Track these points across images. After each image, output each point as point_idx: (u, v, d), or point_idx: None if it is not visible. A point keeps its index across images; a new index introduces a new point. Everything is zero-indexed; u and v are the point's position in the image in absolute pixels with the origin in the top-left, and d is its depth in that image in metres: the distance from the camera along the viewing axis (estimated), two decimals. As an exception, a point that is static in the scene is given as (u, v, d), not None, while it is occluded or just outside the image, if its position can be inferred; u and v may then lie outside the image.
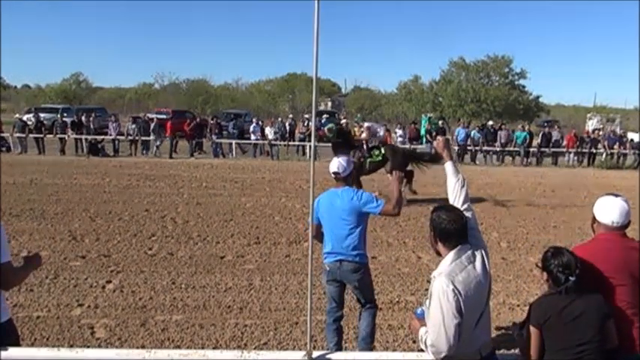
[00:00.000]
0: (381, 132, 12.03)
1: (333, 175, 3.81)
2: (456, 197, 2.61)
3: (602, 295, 2.39)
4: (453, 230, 2.32)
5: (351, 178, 3.87)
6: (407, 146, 19.87)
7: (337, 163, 3.77)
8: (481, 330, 2.33)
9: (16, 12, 73.32)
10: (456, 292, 2.18)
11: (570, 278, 2.32)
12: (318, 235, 3.79)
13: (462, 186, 2.63)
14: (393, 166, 10.03)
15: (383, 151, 10.65)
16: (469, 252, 2.33)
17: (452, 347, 2.16)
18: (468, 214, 2.49)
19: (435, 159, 10.16)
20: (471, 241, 2.38)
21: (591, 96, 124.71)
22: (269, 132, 19.80)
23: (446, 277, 2.21)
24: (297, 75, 51.45)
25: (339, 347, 3.79)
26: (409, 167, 10.58)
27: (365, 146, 10.77)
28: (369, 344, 3.81)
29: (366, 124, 12.02)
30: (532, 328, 2.37)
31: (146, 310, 4.85)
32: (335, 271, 3.69)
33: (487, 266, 2.35)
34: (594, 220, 2.65)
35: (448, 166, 2.71)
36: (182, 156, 18.67)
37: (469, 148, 20.00)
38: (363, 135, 11.16)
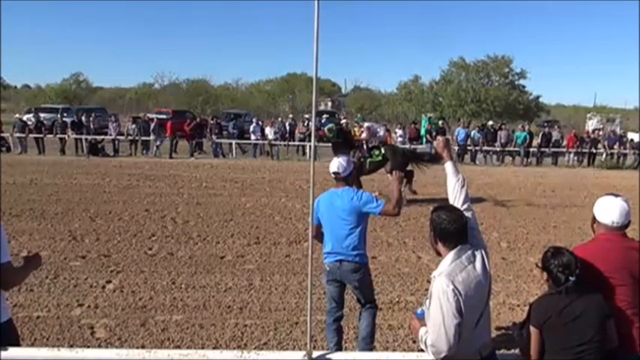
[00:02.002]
0: (381, 132, 12.03)
1: (333, 175, 3.81)
2: (456, 197, 2.60)
3: (602, 295, 2.39)
4: (453, 230, 2.32)
5: (351, 178, 3.87)
6: (407, 146, 19.91)
7: (337, 163, 3.77)
8: (481, 330, 2.33)
9: (16, 12, 73.37)
10: (456, 292, 2.18)
11: (570, 278, 2.31)
12: (318, 235, 3.79)
13: (462, 186, 2.63)
14: (393, 166, 10.03)
15: (383, 151, 10.64)
16: (469, 252, 2.33)
17: (452, 347, 2.16)
18: (468, 214, 2.49)
19: (435, 159, 10.17)
20: (471, 241, 2.38)
21: (591, 96, 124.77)
22: (269, 132, 19.81)
23: (446, 277, 2.21)
24: (297, 75, 51.40)
25: (339, 347, 3.80)
26: (409, 167, 10.58)
27: (365, 146, 10.77)
28: (369, 344, 3.82)
29: (366, 124, 12.02)
30: (532, 328, 2.37)
31: (146, 310, 4.85)
32: (335, 271, 3.69)
33: (487, 266, 2.35)
34: (594, 220, 2.65)
35: (448, 166, 2.71)
36: (182, 156, 18.66)
37: (469, 148, 20.00)
38: (363, 135, 11.16)
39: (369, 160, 10.53)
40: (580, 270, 2.33)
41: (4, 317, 2.51)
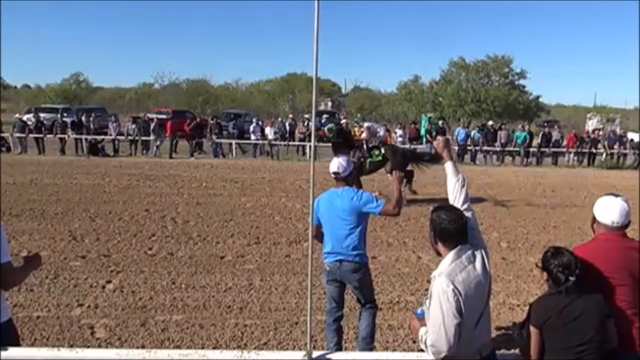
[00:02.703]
0: (381, 132, 12.04)
1: (333, 175, 3.81)
2: (456, 197, 2.60)
3: (603, 294, 2.39)
4: (453, 230, 2.31)
5: (351, 178, 3.87)
6: (407, 146, 19.89)
7: (337, 163, 3.77)
8: (481, 330, 2.32)
9: (16, 12, 73.37)
10: (456, 292, 2.17)
11: (570, 278, 2.31)
12: (318, 235, 3.80)
13: (462, 186, 2.62)
14: (392, 166, 10.04)
15: (383, 151, 10.65)
16: (469, 252, 2.33)
17: (452, 347, 2.16)
18: (468, 214, 2.48)
19: (435, 159, 10.18)
20: (471, 241, 2.38)
21: (591, 96, 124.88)
22: (269, 132, 19.81)
23: (446, 277, 2.21)
24: (297, 75, 51.37)
25: (339, 347, 3.80)
26: (409, 167, 10.58)
27: (365, 146, 10.78)
28: (369, 344, 3.82)
29: (366, 124, 12.02)
30: (532, 328, 2.37)
31: (146, 310, 4.85)
32: (335, 271, 3.70)
33: (487, 266, 2.35)
34: (594, 220, 2.65)
35: (448, 166, 2.70)
36: (182, 156, 18.66)
37: (469, 148, 20.00)
38: (363, 135, 11.16)
39: (369, 160, 10.54)
40: (580, 270, 2.33)
41: (4, 317, 2.51)
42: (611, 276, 2.45)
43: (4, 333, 2.49)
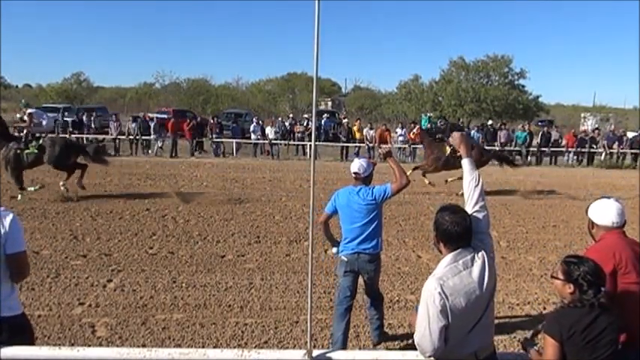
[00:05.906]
0: (45, 121, 10.86)
1: (353, 175, 4.06)
2: (469, 196, 2.51)
3: (619, 292, 2.40)
4: (455, 233, 2.27)
5: (369, 179, 4.08)
6: (407, 146, 19.89)
7: (358, 164, 4.04)
8: (479, 333, 2.29)
9: (16, 12, 73.40)
10: (443, 296, 2.16)
11: (602, 289, 2.21)
12: (326, 222, 4.11)
13: (477, 185, 2.51)
14: (49, 158, 9.80)
15: (41, 142, 10.11)
16: (468, 257, 2.28)
17: (436, 349, 2.18)
18: (480, 214, 2.42)
19: (100, 154, 10.02)
20: (476, 244, 2.33)
21: (591, 96, 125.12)
22: (269, 131, 19.84)
23: (435, 280, 2.20)
24: (297, 75, 51.26)
25: (345, 337, 3.92)
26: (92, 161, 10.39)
27: (25, 137, 10.25)
28: (380, 335, 4.23)
29: (29, 111, 10.90)
30: (550, 340, 2.22)
31: (147, 309, 4.87)
32: (353, 262, 3.97)
33: (487, 272, 2.28)
34: (592, 225, 2.69)
35: (465, 163, 2.59)
36: (182, 155, 18.67)
37: (469, 147, 19.98)
38: (25, 120, 10.50)
39: (25, 152, 9.97)
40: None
41: (16, 311, 2.50)
42: (626, 272, 2.49)
43: (19, 327, 2.48)
